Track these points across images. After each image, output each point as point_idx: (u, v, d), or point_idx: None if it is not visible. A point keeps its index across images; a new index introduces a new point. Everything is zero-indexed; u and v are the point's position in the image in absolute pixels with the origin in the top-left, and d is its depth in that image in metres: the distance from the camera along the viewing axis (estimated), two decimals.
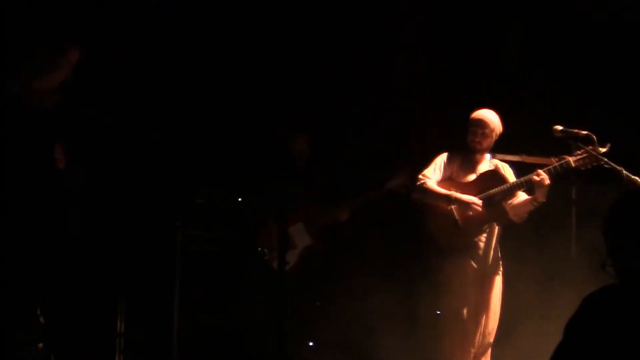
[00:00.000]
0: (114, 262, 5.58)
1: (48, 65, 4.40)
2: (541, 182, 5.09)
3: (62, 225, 4.47)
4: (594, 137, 5.13)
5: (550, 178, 5.10)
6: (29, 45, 4.45)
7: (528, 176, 5.17)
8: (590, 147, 5.09)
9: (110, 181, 5.57)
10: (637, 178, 4.81)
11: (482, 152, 5.34)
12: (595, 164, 5.09)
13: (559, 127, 5.23)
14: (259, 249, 5.91)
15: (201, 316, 5.94)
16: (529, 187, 5.19)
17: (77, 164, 4.51)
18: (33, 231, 4.34)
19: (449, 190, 5.26)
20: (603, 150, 5.08)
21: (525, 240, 5.72)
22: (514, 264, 5.52)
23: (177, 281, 5.79)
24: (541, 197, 5.14)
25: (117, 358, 5.51)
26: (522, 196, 5.29)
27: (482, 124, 5.29)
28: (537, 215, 5.34)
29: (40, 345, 4.54)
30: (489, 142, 5.32)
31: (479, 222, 5.24)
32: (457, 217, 5.21)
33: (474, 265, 5.25)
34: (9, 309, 4.37)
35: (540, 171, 5.12)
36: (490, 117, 5.32)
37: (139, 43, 5.84)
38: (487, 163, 5.39)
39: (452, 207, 5.21)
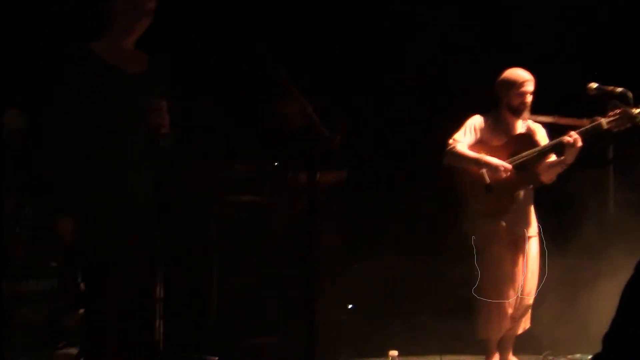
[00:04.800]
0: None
1: (131, 17, 4.10)
2: (573, 143, 4.99)
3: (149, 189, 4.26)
4: (630, 94, 5.00)
5: (582, 140, 5.00)
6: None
7: (559, 138, 5.07)
8: (624, 106, 4.96)
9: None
10: None
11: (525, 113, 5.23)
12: (629, 124, 4.96)
13: (594, 85, 5.12)
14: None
15: (239, 279, 6.02)
16: (560, 149, 5.08)
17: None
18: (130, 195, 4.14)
19: (480, 153, 5.18)
20: (638, 110, 4.94)
21: (563, 203, 5.63)
22: (552, 227, 5.46)
23: (214, 245, 5.90)
24: (570, 158, 5.05)
25: (157, 323, 5.59)
26: (552, 157, 5.19)
27: (530, 83, 5.17)
28: (573, 176, 5.27)
29: (81, 311, 4.61)
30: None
31: (511, 186, 5.15)
32: (488, 181, 5.13)
33: (507, 228, 5.18)
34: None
35: (572, 132, 5.01)
36: (530, 75, 5.21)
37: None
38: (520, 125, 5.29)
39: (483, 170, 5.13)
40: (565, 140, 5.02)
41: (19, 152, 5.12)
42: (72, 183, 4.05)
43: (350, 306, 6.19)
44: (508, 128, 5.27)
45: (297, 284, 5.66)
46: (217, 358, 5.58)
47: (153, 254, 4.36)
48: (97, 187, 4.09)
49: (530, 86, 5.19)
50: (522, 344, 5.49)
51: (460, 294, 5.43)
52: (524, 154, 5.14)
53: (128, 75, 4.14)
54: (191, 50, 5.93)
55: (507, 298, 5.20)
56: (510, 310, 5.23)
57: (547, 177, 5.20)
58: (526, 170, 5.15)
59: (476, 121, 5.28)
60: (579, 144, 4.99)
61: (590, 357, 4.99)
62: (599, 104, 5.09)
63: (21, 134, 5.17)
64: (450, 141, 5.25)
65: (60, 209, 4.09)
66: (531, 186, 5.24)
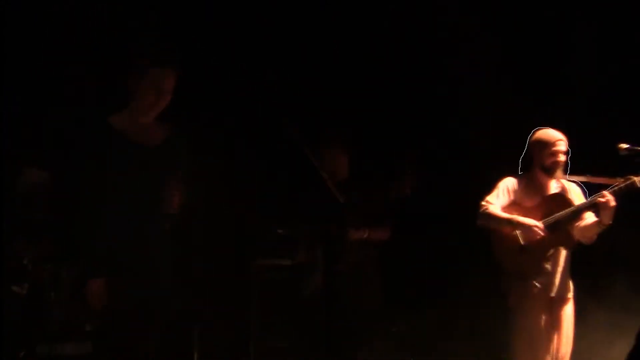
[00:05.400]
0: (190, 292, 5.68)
1: (151, 97, 4.25)
2: (606, 203, 4.95)
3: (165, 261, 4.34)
4: None
5: (616, 199, 4.95)
6: (127, 76, 4.30)
7: (593, 198, 5.05)
8: None
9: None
10: None
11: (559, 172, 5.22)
12: None
13: (624, 145, 5.08)
14: None
15: (275, 342, 6.01)
16: (594, 209, 5.05)
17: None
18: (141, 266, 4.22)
19: (512, 214, 5.17)
20: None
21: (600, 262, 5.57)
22: (590, 285, 5.39)
23: (251, 309, 5.91)
24: (607, 219, 4.99)
25: None
26: (589, 217, 5.15)
27: (562, 143, 5.20)
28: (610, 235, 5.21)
29: None
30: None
31: (544, 247, 5.11)
32: (522, 242, 5.11)
33: (542, 289, 5.12)
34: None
35: (605, 192, 4.98)
36: (562, 135, 5.22)
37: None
38: (554, 184, 5.27)
39: (517, 231, 5.12)
40: (598, 200, 4.99)
41: (45, 213, 5.25)
42: (98, 247, 4.15)
43: None
44: (541, 188, 5.26)
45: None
46: None
47: (187, 317, 4.42)
48: (121, 252, 4.18)
49: (562, 146, 5.19)
50: None
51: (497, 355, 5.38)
52: (558, 214, 5.11)
53: (145, 149, 4.26)
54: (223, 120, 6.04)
55: None
56: None
57: (585, 238, 5.17)
58: (560, 230, 5.12)
59: (509, 183, 5.27)
60: (613, 203, 4.95)
61: None
62: (631, 163, 5.05)
63: (41, 189, 5.29)
64: (483, 203, 5.25)
65: (89, 273, 4.19)
66: (566, 248, 5.19)
